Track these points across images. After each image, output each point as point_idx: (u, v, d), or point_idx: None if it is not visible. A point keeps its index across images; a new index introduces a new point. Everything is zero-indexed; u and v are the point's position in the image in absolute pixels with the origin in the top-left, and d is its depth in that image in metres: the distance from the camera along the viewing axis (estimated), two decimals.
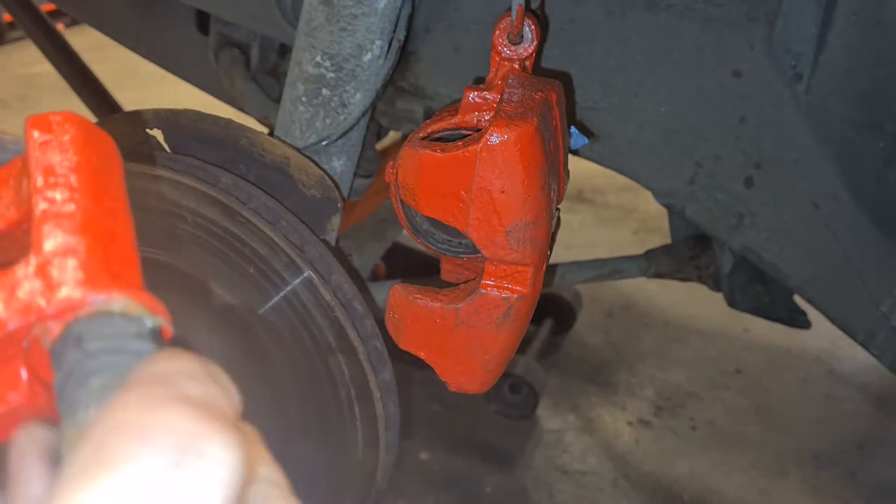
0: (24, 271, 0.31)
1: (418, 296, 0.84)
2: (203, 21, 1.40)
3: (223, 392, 0.29)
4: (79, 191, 0.33)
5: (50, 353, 0.31)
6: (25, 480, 0.29)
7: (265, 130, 1.06)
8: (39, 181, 0.33)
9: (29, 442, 0.30)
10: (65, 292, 0.31)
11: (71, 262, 0.31)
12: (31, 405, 0.33)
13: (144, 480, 0.24)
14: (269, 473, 0.31)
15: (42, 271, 0.31)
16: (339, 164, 1.04)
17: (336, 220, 0.96)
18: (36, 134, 0.35)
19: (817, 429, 1.85)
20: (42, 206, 0.32)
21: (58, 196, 0.33)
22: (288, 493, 0.31)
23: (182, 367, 0.29)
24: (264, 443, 0.33)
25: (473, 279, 0.86)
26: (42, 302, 0.31)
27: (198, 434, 0.26)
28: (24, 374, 0.33)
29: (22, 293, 0.31)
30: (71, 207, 0.32)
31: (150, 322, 0.32)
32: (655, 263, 1.56)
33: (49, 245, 0.32)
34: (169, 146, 0.96)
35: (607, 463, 1.73)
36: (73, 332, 0.31)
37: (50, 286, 0.31)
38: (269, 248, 0.89)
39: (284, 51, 1.34)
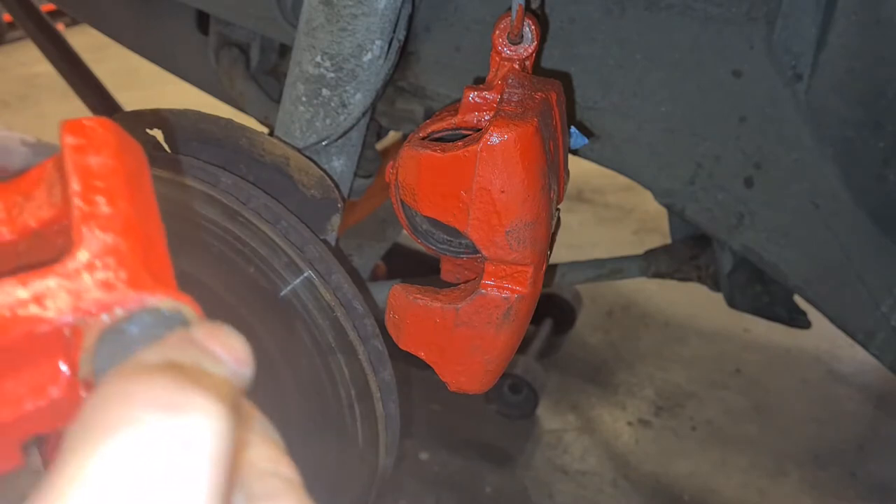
0: (68, 269, 0.32)
1: (418, 296, 0.84)
2: (203, 21, 1.40)
3: (226, 372, 0.30)
4: (116, 194, 0.34)
5: (93, 349, 0.31)
6: None
7: (265, 130, 1.06)
8: (77, 184, 0.34)
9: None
10: (108, 290, 0.32)
11: (113, 262, 0.33)
12: (70, 400, 0.34)
13: (137, 443, 0.25)
14: (282, 469, 0.31)
15: (86, 269, 0.32)
16: (339, 164, 1.04)
17: (336, 220, 0.96)
18: (71, 139, 0.36)
19: (817, 429, 1.85)
20: (81, 207, 0.34)
21: (97, 198, 0.34)
22: (300, 492, 0.31)
23: (185, 352, 0.30)
24: (281, 438, 0.34)
25: (473, 279, 0.86)
26: (86, 299, 0.32)
27: (184, 394, 0.27)
28: (63, 368, 0.34)
29: (66, 290, 0.32)
30: (110, 210, 0.34)
31: (188, 319, 0.33)
32: (655, 263, 1.56)
33: (92, 245, 0.33)
34: (169, 146, 0.96)
35: (607, 463, 1.73)
36: (116, 327, 0.32)
37: (94, 284, 0.32)
38: (269, 248, 0.89)
39: (284, 51, 1.34)
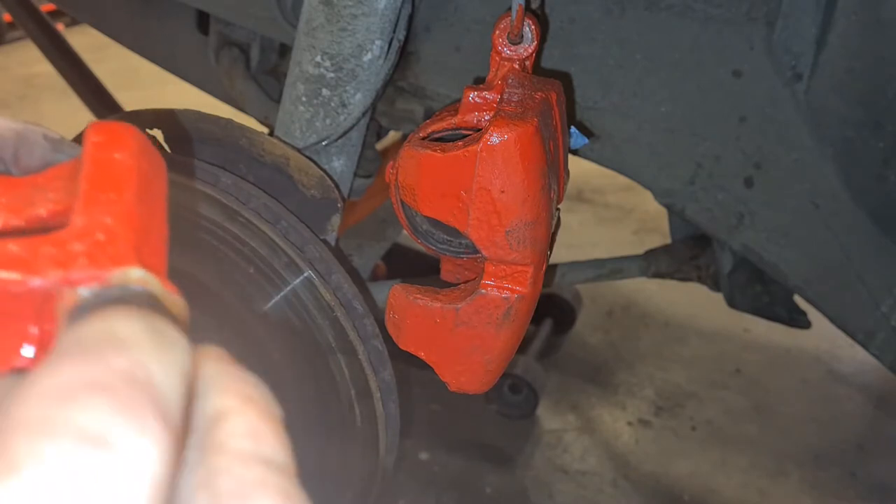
0: (59, 237, 0.33)
1: (418, 296, 0.84)
2: (203, 21, 1.40)
3: (166, 357, 0.26)
4: (125, 188, 0.35)
5: (67, 315, 0.31)
6: None
7: (265, 130, 1.06)
8: (90, 171, 0.35)
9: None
10: (93, 264, 0.32)
11: (104, 239, 0.33)
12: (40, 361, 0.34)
13: (49, 480, 0.21)
14: (265, 448, 0.26)
15: (75, 239, 0.33)
16: (339, 164, 1.04)
17: (336, 220, 0.96)
18: (95, 137, 0.37)
19: (817, 429, 1.85)
20: (88, 190, 0.34)
21: (105, 186, 0.34)
22: (286, 482, 0.25)
23: (115, 332, 0.26)
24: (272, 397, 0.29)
25: (473, 279, 0.86)
26: (68, 268, 0.32)
27: (111, 424, 0.22)
28: (34, 330, 0.34)
29: (51, 255, 0.32)
30: (115, 198, 0.34)
31: (167, 302, 0.32)
32: (655, 263, 1.56)
33: (88, 220, 0.33)
34: (169, 146, 0.96)
35: (607, 463, 1.73)
36: (89, 301, 0.31)
37: (80, 255, 0.32)
38: (269, 248, 0.89)
39: (284, 51, 1.34)
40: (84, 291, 0.31)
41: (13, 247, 0.32)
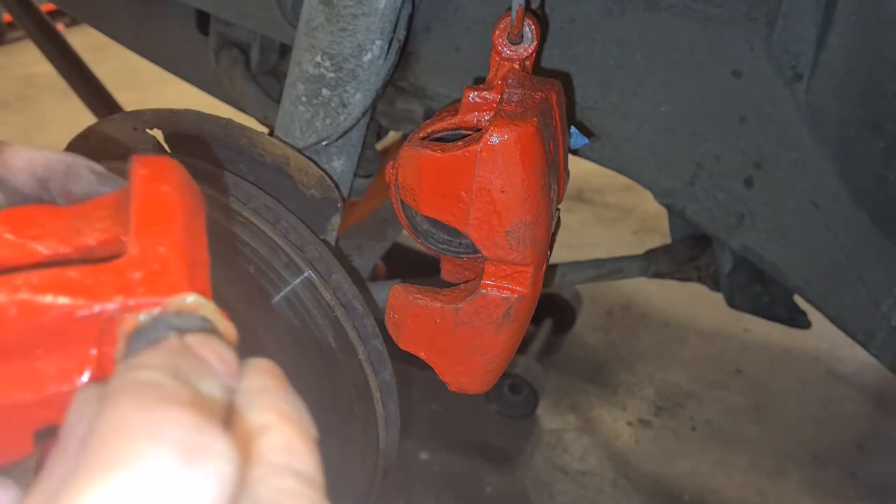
0: (118, 265, 0.35)
1: (418, 296, 0.84)
2: (203, 21, 1.40)
3: (213, 385, 0.30)
4: (173, 220, 0.37)
5: (125, 344, 0.33)
6: (75, 439, 0.29)
7: (265, 130, 1.06)
8: (140, 204, 0.38)
9: (85, 401, 0.30)
10: (150, 290, 0.34)
11: (159, 268, 0.35)
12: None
13: (154, 478, 0.24)
14: (298, 462, 0.29)
15: (133, 268, 0.35)
16: (339, 164, 1.04)
17: (336, 220, 0.96)
18: (141, 170, 0.39)
19: (817, 428, 1.85)
20: (140, 221, 0.37)
21: (155, 218, 0.37)
22: (316, 495, 0.29)
23: (172, 363, 0.29)
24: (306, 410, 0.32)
25: (473, 279, 0.86)
26: (128, 294, 0.35)
27: (203, 431, 0.26)
28: (93, 352, 0.36)
29: (112, 282, 0.35)
30: (165, 229, 0.37)
31: (221, 329, 0.35)
32: (655, 263, 1.56)
33: (144, 250, 0.36)
34: (169, 146, 0.96)
35: (607, 463, 1.73)
36: (148, 326, 0.33)
37: (138, 282, 0.35)
38: (269, 248, 0.89)
39: (284, 51, 1.33)
40: (143, 316, 0.34)
41: (73, 274, 0.34)
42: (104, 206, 0.41)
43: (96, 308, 0.34)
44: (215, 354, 0.31)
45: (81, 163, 0.45)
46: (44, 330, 0.34)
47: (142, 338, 0.32)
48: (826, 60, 0.91)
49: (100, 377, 0.35)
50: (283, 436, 0.30)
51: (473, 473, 1.69)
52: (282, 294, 0.91)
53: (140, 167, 0.40)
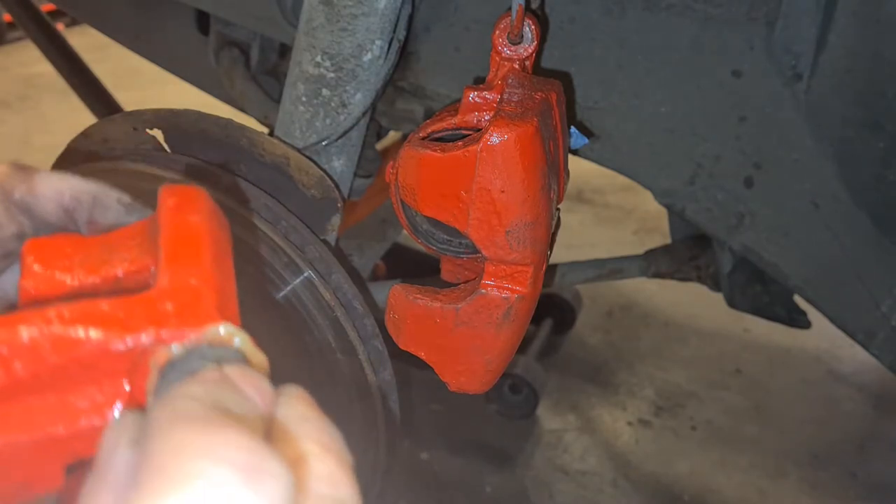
0: (150, 296, 0.35)
1: (418, 296, 0.84)
2: (203, 21, 1.40)
3: (252, 416, 0.30)
4: (202, 249, 0.37)
5: (158, 376, 0.33)
6: (114, 466, 0.29)
7: (265, 130, 1.06)
8: (169, 234, 0.38)
9: (122, 429, 0.31)
10: (182, 322, 0.34)
11: (191, 299, 0.35)
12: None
13: (216, 497, 0.25)
14: (341, 491, 0.30)
15: (165, 299, 0.35)
16: (339, 164, 1.04)
17: (336, 220, 0.96)
18: (170, 200, 0.40)
19: (817, 428, 1.86)
20: (170, 252, 0.37)
21: (185, 248, 0.37)
22: None
23: (213, 394, 0.30)
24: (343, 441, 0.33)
25: (473, 279, 0.86)
26: (161, 326, 0.34)
27: (259, 452, 0.26)
28: (127, 386, 0.35)
29: (144, 314, 0.34)
30: (195, 259, 0.37)
31: (254, 360, 0.34)
32: (655, 263, 1.56)
33: (175, 281, 0.35)
34: (169, 146, 0.96)
35: (607, 463, 1.73)
36: (182, 357, 0.33)
37: (170, 313, 0.35)
38: (269, 248, 0.89)
39: (284, 51, 1.33)
40: (175, 348, 0.33)
41: (105, 306, 0.34)
42: (131, 235, 0.41)
43: (129, 340, 0.34)
44: (252, 385, 0.31)
45: (109, 193, 0.45)
46: (76, 363, 0.33)
47: (175, 369, 0.32)
48: (826, 60, 0.91)
49: (131, 409, 0.35)
50: (326, 466, 0.30)
51: (473, 473, 1.69)
52: (282, 294, 0.91)
53: (168, 196, 0.40)
